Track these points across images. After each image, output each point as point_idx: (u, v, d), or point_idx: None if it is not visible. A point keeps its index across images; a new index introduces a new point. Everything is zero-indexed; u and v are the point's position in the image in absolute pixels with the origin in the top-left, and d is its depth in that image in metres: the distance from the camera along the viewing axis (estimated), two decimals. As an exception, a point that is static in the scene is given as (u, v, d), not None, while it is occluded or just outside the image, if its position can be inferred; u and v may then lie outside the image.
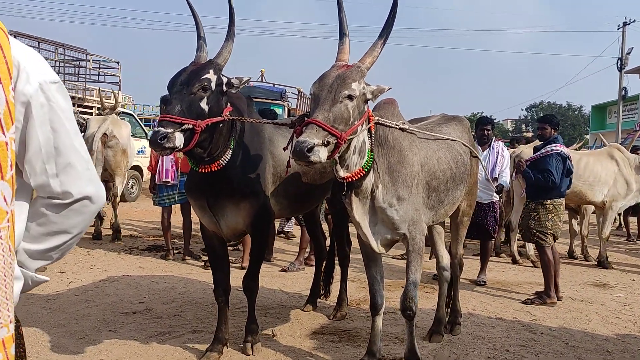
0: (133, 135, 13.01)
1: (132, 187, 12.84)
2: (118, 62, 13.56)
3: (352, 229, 5.28)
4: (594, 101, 38.06)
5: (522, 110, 66.17)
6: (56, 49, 11.94)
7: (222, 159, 3.51)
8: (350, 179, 3.02)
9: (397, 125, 3.30)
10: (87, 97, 12.25)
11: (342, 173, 3.00)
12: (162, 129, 3.06)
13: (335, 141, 2.73)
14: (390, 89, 3.08)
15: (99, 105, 11.01)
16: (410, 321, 3.54)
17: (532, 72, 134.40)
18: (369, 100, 2.99)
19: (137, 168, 12.82)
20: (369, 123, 3.07)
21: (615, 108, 28.96)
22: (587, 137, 41.60)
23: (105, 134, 7.80)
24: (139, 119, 18.17)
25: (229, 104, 3.51)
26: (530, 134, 64.33)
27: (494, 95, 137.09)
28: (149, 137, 11.78)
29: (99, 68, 13.35)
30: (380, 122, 3.21)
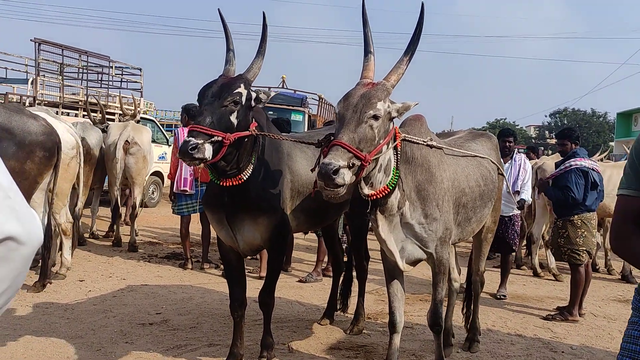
0: (154, 141, 13.16)
1: (153, 193, 12.96)
2: (140, 69, 13.75)
3: (370, 243, 5.29)
4: (619, 108, 37.44)
5: (546, 116, 65.40)
6: (79, 56, 12.13)
7: (244, 173, 3.53)
8: (374, 197, 3.00)
9: (425, 141, 3.27)
10: (109, 103, 12.41)
11: (366, 191, 2.98)
12: (192, 139, 3.08)
13: (360, 163, 2.71)
14: (417, 104, 3.06)
15: (120, 112, 11.20)
16: (438, 335, 3.62)
17: (555, 79, 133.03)
18: (394, 118, 2.97)
19: (158, 174, 12.95)
20: (395, 140, 3.05)
21: (641, 115, 28.38)
22: (612, 144, 40.89)
23: (127, 141, 7.88)
24: (161, 124, 18.44)
25: (253, 119, 3.54)
26: (554, 141, 63.71)
27: (517, 101, 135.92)
28: (169, 144, 11.89)
29: (122, 75, 13.54)
30: (407, 139, 3.18)
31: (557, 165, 5.76)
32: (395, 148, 3.07)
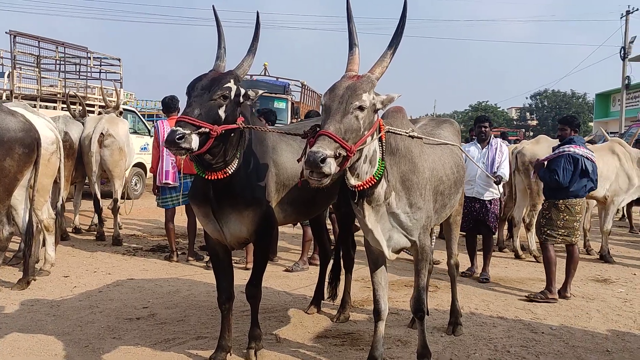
0: (136, 132, 13.12)
1: (135, 185, 12.89)
2: (119, 59, 13.55)
3: (356, 232, 5.35)
4: (598, 89, 37.99)
5: (527, 98, 66.08)
6: (56, 47, 11.92)
7: (229, 167, 3.55)
8: (361, 188, 3.06)
9: (407, 132, 3.33)
10: (89, 95, 12.25)
11: (353, 182, 3.04)
12: (180, 129, 3.12)
13: (345, 154, 2.77)
14: (400, 96, 3.11)
15: (102, 103, 11.06)
16: (422, 321, 3.70)
17: (536, 61, 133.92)
18: (378, 109, 3.03)
19: (140, 165, 12.86)
20: (379, 132, 3.10)
21: (619, 96, 28.83)
22: (592, 124, 41.46)
23: (101, 133, 7.83)
24: (142, 114, 18.25)
25: (240, 114, 3.57)
26: (534, 122, 64.30)
27: (498, 84, 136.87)
28: (151, 134, 11.78)
29: (100, 66, 13.34)
30: (391, 130, 3.24)
31: (554, 149, 5.93)
32: (380, 139, 3.12)
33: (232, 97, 3.40)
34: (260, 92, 3.67)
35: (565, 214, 5.60)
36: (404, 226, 3.34)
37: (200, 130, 3.19)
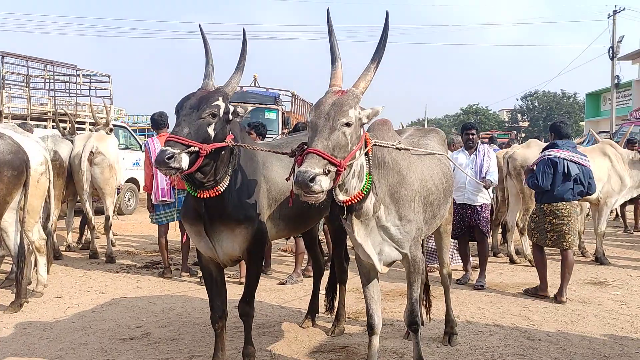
0: (127, 148, 13.09)
1: (129, 200, 12.84)
2: (109, 76, 13.56)
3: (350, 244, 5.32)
4: (589, 89, 38.15)
5: (518, 100, 66.39)
6: (45, 66, 11.93)
7: (221, 185, 3.55)
8: (349, 202, 3.04)
9: (394, 145, 3.32)
10: (78, 112, 12.22)
11: (341, 197, 3.02)
12: (169, 148, 3.13)
13: (335, 169, 2.75)
14: (384, 107, 3.10)
15: (92, 120, 11.03)
16: (416, 333, 3.67)
17: (525, 63, 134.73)
18: (364, 124, 3.02)
19: (133, 180, 12.82)
20: (366, 146, 3.09)
21: (610, 95, 28.99)
22: (583, 124, 41.67)
23: (91, 151, 7.80)
24: (133, 129, 18.22)
25: (230, 131, 3.57)
26: (526, 123, 64.55)
27: (489, 87, 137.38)
28: (143, 149, 11.75)
29: (90, 83, 13.34)
30: (378, 143, 3.23)
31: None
32: (366, 153, 3.11)
33: (221, 114, 3.41)
34: (250, 108, 3.71)
35: (551, 218, 5.70)
36: (394, 239, 3.32)
37: (189, 150, 3.20)
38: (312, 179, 2.62)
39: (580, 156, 5.76)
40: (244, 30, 3.75)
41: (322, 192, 2.68)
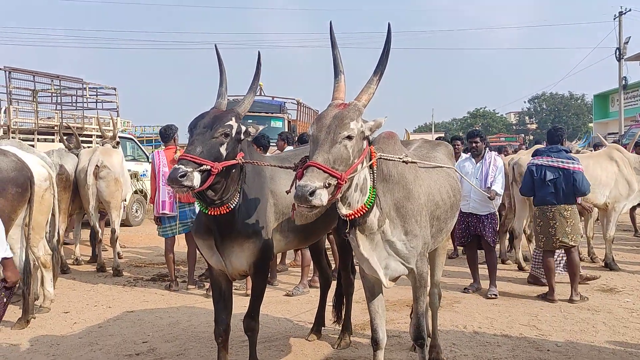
0: (134, 159, 13.14)
1: (136, 212, 12.88)
2: (115, 89, 13.62)
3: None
4: (597, 90, 37.92)
5: (525, 102, 66.06)
6: (52, 81, 12.01)
7: (231, 202, 3.63)
8: (352, 217, 3.02)
9: (401, 158, 3.29)
10: (85, 125, 12.28)
11: (344, 211, 3.00)
12: (182, 166, 3.22)
13: (336, 182, 2.74)
14: (386, 118, 3.07)
15: (99, 133, 11.08)
16: (422, 348, 3.61)
17: (532, 65, 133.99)
18: (367, 136, 3.00)
19: (141, 191, 12.84)
20: (370, 159, 3.07)
21: (618, 96, 28.80)
22: (591, 125, 41.37)
23: (96, 165, 7.83)
24: (141, 140, 18.30)
25: (240, 149, 3.64)
26: (534, 126, 64.22)
27: (496, 89, 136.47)
28: (150, 160, 11.78)
29: (96, 96, 13.43)
30: (383, 157, 3.20)
31: None
32: (370, 167, 3.09)
33: (234, 134, 3.50)
34: (260, 128, 3.74)
35: (539, 220, 6.05)
36: (400, 254, 3.28)
37: (202, 168, 3.29)
38: (312, 193, 2.61)
39: (563, 160, 5.92)
40: (259, 53, 3.84)
41: (322, 205, 2.67)
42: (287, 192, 3.28)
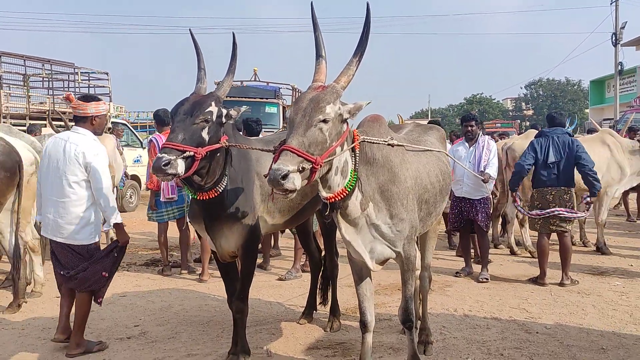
0: (127, 145, 13.09)
1: (130, 197, 12.86)
2: (107, 73, 13.55)
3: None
4: (593, 76, 37.87)
5: (522, 88, 65.95)
6: (43, 65, 11.94)
7: (219, 186, 3.69)
8: (332, 200, 3.02)
9: (386, 141, 3.27)
10: (78, 110, 12.21)
11: (324, 193, 3.00)
12: (165, 155, 3.29)
13: (311, 166, 2.72)
14: (369, 103, 3.07)
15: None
16: (410, 330, 3.64)
17: (528, 51, 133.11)
18: (346, 119, 2.98)
19: (135, 178, 12.83)
20: (353, 142, 3.06)
21: (614, 82, 28.77)
22: (587, 111, 41.39)
23: None
24: (134, 126, 18.22)
25: (223, 132, 3.67)
26: (530, 112, 64.21)
27: (492, 75, 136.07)
28: (143, 146, 11.73)
29: (88, 80, 13.35)
30: (367, 140, 3.19)
31: None
32: (353, 150, 3.08)
33: (214, 119, 3.54)
34: (243, 109, 3.78)
35: (538, 202, 6.07)
36: (386, 237, 3.29)
37: (185, 155, 3.34)
38: (285, 177, 2.62)
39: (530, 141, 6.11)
40: (233, 34, 3.84)
41: (295, 189, 2.67)
42: (265, 176, 3.29)
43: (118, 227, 4.17)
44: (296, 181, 2.65)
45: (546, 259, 6.09)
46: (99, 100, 4.39)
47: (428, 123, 7.11)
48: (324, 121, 2.80)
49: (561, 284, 5.93)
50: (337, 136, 2.89)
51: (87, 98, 4.41)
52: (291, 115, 2.88)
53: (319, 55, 3.10)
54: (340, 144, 2.92)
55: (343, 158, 2.98)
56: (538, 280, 6.06)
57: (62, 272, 4.21)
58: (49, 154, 4.16)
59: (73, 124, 4.29)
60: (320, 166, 2.77)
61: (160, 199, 6.80)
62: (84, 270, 4.11)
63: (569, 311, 5.14)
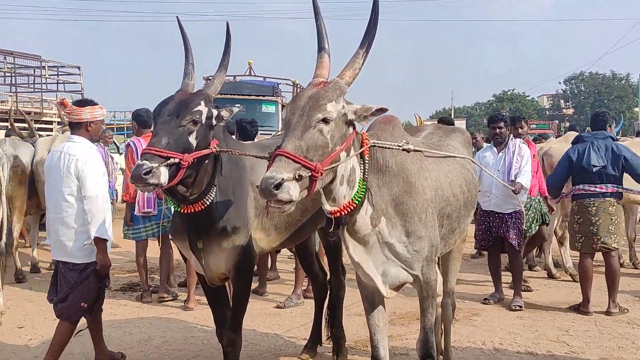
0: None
1: (105, 211, 12.87)
2: (79, 67, 13.65)
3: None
4: (643, 68, 37.83)
5: (560, 83, 65.90)
6: (4, 58, 12.02)
7: (206, 197, 3.65)
8: (338, 214, 2.99)
9: (401, 146, 3.25)
10: (44, 110, 12.28)
11: (328, 207, 2.98)
12: (146, 162, 3.23)
13: (310, 174, 2.71)
14: (380, 108, 3.02)
15: (59, 120, 11.09)
16: None
17: (568, 41, 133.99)
18: (352, 121, 2.97)
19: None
20: (361, 147, 3.05)
21: (667, 75, 28.75)
22: (637, 109, 41.36)
23: None
24: (110, 127, 18.33)
25: (213, 136, 3.65)
26: (570, 111, 64.25)
27: (526, 69, 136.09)
28: (120, 151, 11.76)
29: (57, 76, 13.43)
30: (378, 144, 3.17)
31: None
32: (362, 156, 3.07)
33: (204, 121, 3.50)
34: (236, 109, 3.76)
35: (578, 217, 6.02)
36: (401, 258, 3.27)
37: (169, 162, 3.29)
38: (278, 186, 2.58)
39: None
40: (227, 24, 3.84)
41: (291, 200, 2.64)
42: (257, 186, 3.28)
43: (99, 244, 4.20)
44: (292, 191, 2.62)
45: (590, 284, 6.04)
46: (95, 104, 4.46)
47: (438, 122, 7.10)
48: (325, 121, 2.78)
49: (608, 313, 5.90)
50: (341, 140, 2.88)
51: (82, 102, 4.53)
52: (287, 115, 2.87)
53: (321, 48, 3.09)
54: (346, 148, 2.90)
55: (349, 165, 2.97)
56: (581, 309, 6.02)
57: (49, 298, 4.41)
58: (49, 170, 4.35)
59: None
60: (321, 174, 2.74)
61: (135, 213, 6.78)
62: (64, 299, 4.27)
63: (617, 345, 5.12)
